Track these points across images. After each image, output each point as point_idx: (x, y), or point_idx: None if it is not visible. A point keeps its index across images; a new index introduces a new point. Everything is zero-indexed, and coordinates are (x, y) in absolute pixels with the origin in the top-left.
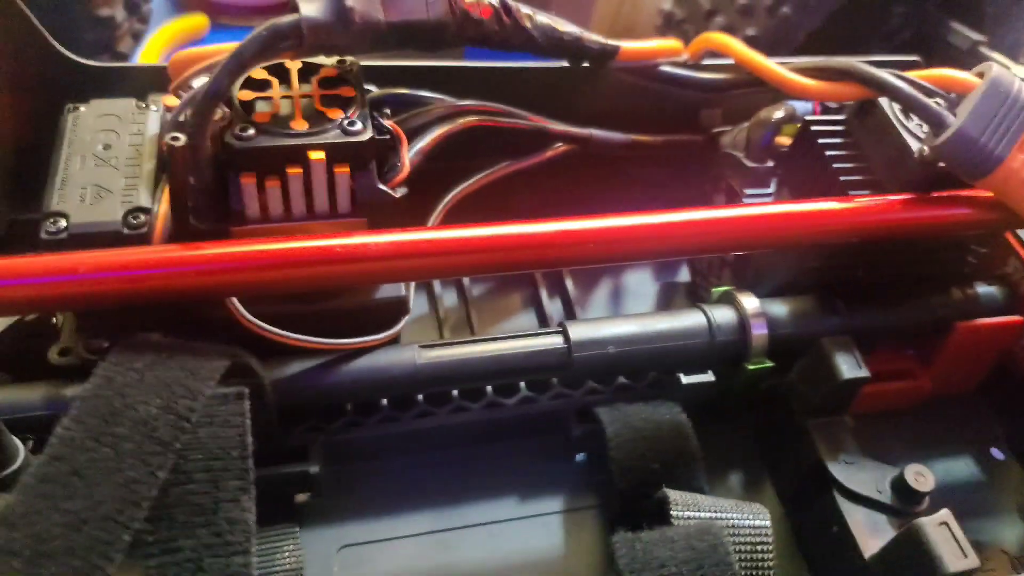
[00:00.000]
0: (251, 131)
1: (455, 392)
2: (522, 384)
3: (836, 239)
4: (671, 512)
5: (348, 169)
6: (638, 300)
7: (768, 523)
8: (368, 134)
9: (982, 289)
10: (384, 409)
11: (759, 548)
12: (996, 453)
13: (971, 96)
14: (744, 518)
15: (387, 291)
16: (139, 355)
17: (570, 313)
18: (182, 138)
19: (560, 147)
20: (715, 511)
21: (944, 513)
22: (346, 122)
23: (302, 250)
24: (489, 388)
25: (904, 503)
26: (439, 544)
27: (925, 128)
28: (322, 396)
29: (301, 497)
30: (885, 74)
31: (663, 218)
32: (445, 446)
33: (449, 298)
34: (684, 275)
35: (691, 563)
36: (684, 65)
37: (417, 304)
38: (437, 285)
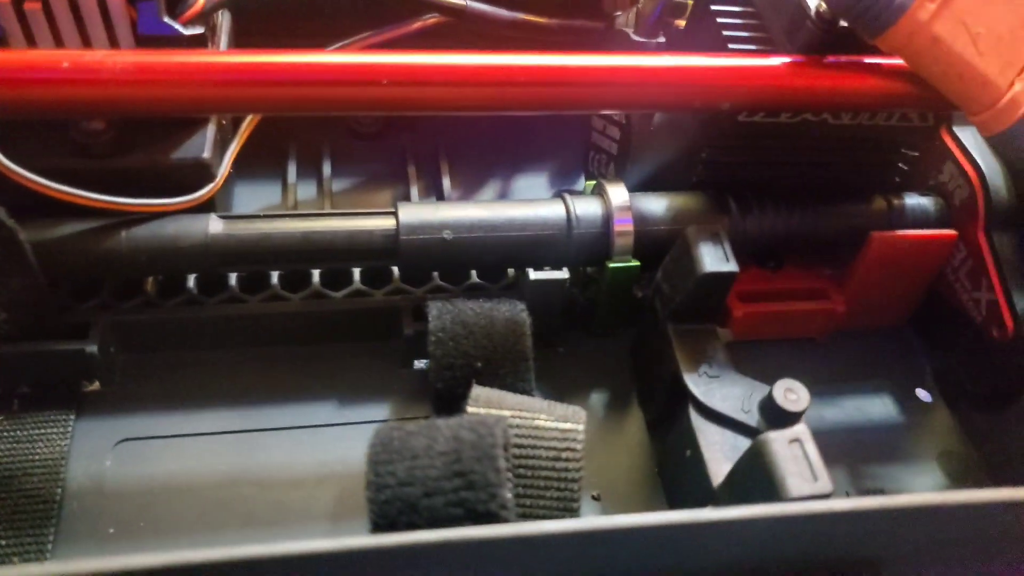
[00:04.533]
0: None
1: (275, 280)
2: (357, 276)
3: (705, 101)
4: (467, 408)
5: None
6: None
7: (579, 427)
8: None
9: (911, 199)
10: (188, 291)
11: (563, 455)
12: (922, 394)
13: None
14: (551, 420)
15: (186, 151)
16: None
17: None
18: None
19: (431, 18)
20: (519, 409)
21: (799, 429)
22: None
23: (19, 62)
24: (316, 277)
25: (772, 425)
26: (237, 445)
27: None
28: (96, 263)
29: (92, 387)
30: None
31: (502, 60)
32: (259, 342)
33: (306, 190)
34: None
35: (449, 454)
36: None
37: (267, 193)
38: (292, 173)
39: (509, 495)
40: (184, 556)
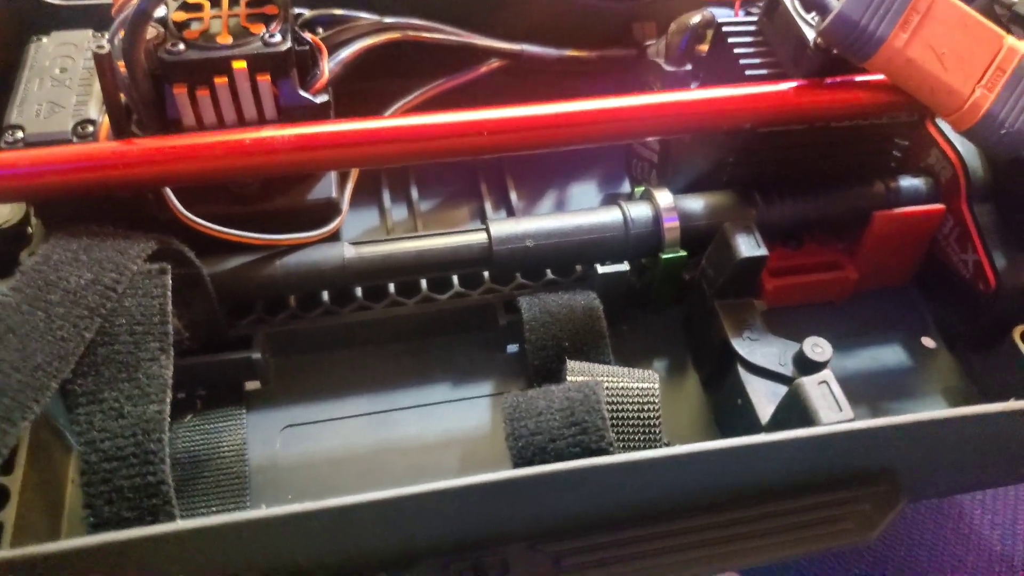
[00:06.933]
0: (181, 46)
1: (392, 288)
2: (455, 280)
3: (731, 124)
4: (567, 377)
5: (269, 77)
6: None
7: (655, 385)
8: (286, 45)
9: (905, 181)
10: (324, 304)
11: (646, 407)
12: (927, 342)
13: None
14: (632, 382)
15: (318, 193)
16: (77, 238)
17: None
18: (105, 46)
19: (494, 63)
20: (605, 375)
21: (826, 373)
22: (267, 35)
23: (212, 144)
24: (424, 284)
25: (804, 374)
26: (376, 423)
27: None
28: (258, 288)
29: (251, 386)
30: None
31: (571, 107)
32: (384, 340)
33: (399, 212)
34: (628, 186)
35: (565, 410)
36: None
37: (368, 217)
38: (387, 199)
39: (612, 436)
40: (395, 492)
